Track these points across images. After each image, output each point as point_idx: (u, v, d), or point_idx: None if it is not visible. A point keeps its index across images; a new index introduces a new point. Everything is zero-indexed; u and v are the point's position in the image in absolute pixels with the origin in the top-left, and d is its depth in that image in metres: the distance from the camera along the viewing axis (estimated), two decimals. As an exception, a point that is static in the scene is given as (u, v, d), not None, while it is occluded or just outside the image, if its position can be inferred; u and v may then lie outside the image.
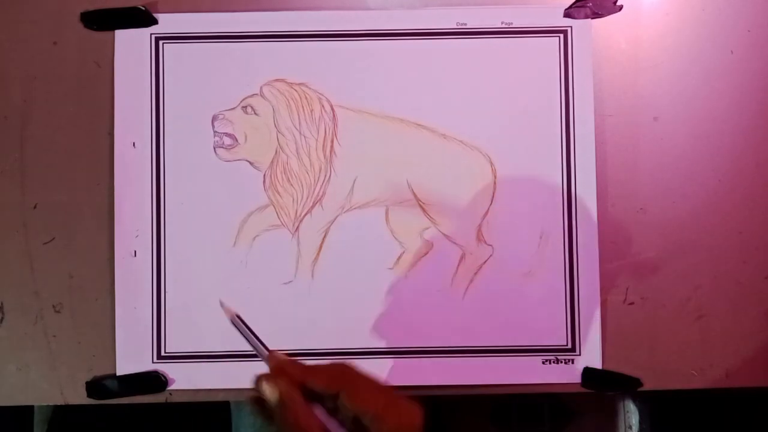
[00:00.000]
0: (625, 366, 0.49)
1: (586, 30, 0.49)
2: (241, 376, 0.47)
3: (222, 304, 0.41)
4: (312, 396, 0.36)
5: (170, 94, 0.49)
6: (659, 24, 0.50)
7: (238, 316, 0.40)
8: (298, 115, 0.49)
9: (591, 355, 0.48)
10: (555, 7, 0.50)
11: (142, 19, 0.49)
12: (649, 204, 0.49)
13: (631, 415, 0.65)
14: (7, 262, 0.49)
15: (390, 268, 0.49)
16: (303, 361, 0.40)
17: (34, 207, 0.49)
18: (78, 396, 0.48)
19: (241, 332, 0.40)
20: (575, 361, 0.49)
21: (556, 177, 0.49)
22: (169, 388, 0.48)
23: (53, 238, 0.49)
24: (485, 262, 0.49)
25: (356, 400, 0.36)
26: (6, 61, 0.49)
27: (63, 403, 0.49)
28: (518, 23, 0.49)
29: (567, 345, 0.48)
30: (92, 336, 0.49)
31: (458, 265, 0.49)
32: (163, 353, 0.48)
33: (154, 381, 0.48)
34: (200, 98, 0.49)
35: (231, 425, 0.61)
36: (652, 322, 0.49)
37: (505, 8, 0.50)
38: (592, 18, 0.50)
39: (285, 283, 0.49)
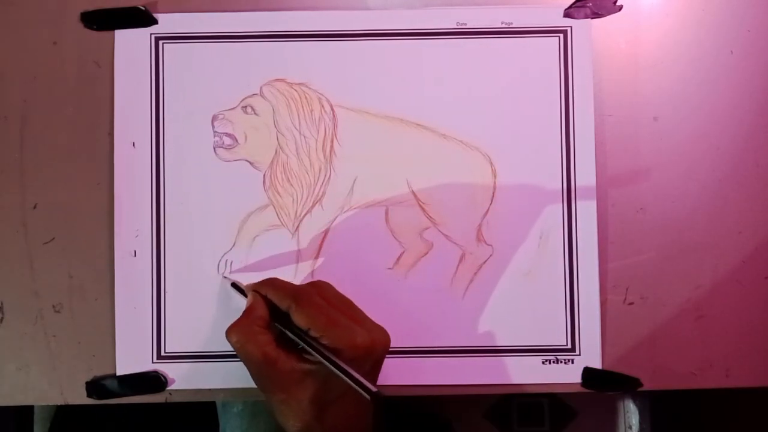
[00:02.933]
0: (625, 366, 0.49)
1: (586, 30, 0.49)
2: (241, 376, 0.47)
3: (223, 277, 0.48)
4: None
5: (170, 94, 0.49)
6: (659, 24, 0.50)
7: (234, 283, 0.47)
8: (298, 115, 0.49)
9: (591, 355, 0.48)
10: (555, 7, 0.50)
11: (142, 19, 0.49)
12: (649, 204, 0.49)
13: (631, 415, 0.65)
14: (7, 262, 0.49)
15: (389, 268, 0.49)
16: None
17: (34, 207, 0.49)
18: (78, 396, 0.48)
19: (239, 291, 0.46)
20: (575, 361, 0.48)
21: (556, 177, 0.49)
22: (168, 388, 0.48)
23: (53, 238, 0.49)
24: (485, 262, 0.49)
25: (297, 316, 0.40)
26: (6, 61, 0.49)
27: (63, 403, 0.48)
28: (518, 23, 0.49)
29: (567, 345, 0.48)
30: (92, 336, 0.49)
31: (458, 265, 0.49)
32: (163, 353, 0.48)
33: (153, 381, 0.48)
34: (200, 98, 0.49)
35: (218, 426, 0.61)
36: (652, 322, 0.49)
37: (505, 8, 0.50)
38: (592, 18, 0.50)
39: (285, 283, 0.49)
